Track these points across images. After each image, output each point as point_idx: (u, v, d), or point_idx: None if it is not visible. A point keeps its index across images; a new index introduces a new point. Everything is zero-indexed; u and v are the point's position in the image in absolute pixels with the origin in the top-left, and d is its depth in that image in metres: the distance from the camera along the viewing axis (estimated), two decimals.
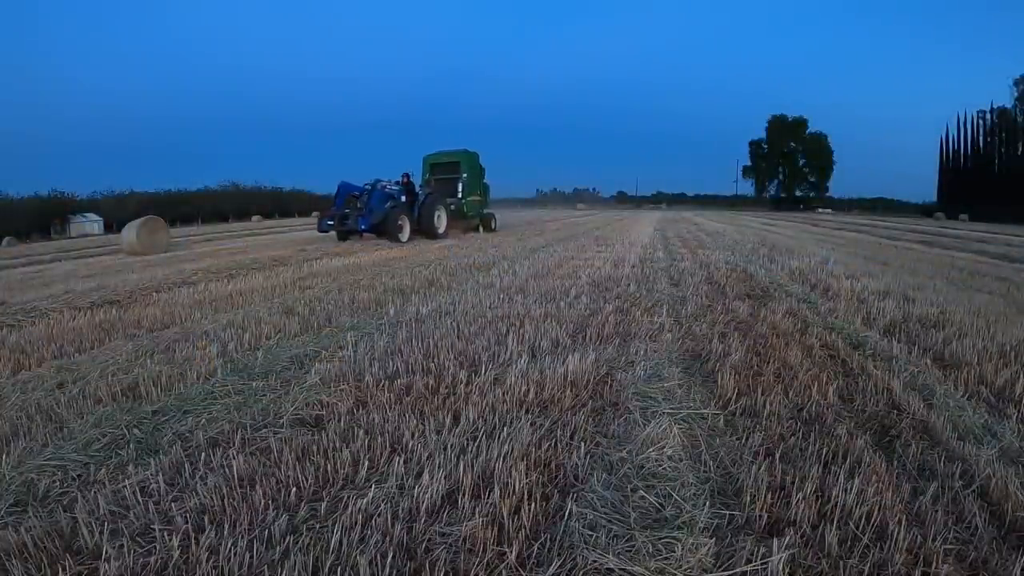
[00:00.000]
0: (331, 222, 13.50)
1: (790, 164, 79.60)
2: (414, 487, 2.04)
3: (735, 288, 6.25)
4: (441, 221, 14.70)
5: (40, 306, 5.67)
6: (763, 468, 2.16)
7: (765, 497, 1.97)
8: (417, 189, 14.68)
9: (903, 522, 1.84)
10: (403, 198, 13.97)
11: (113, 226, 29.04)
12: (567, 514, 1.90)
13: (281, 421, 2.66)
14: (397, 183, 14.16)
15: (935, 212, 50.97)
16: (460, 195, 16.36)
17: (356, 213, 12.96)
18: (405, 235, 13.35)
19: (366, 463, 2.22)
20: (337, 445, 2.36)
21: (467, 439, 2.43)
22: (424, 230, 14.19)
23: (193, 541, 1.76)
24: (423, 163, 17.16)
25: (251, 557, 1.68)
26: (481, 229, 17.31)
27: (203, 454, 2.34)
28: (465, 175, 16.59)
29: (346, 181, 13.64)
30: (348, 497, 1.99)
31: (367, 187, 13.47)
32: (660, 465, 2.22)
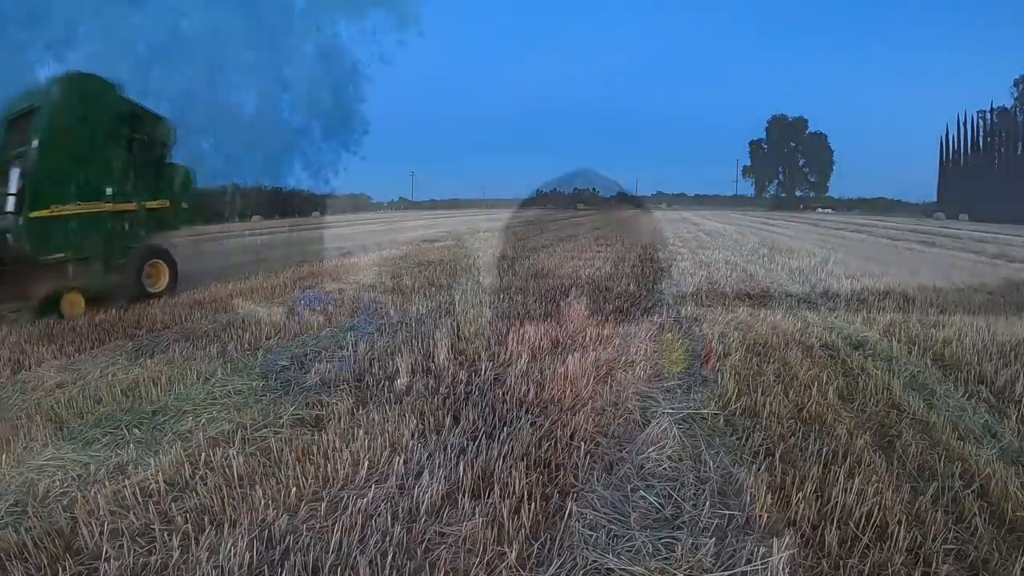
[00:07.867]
0: None
1: (790, 164, 79.60)
2: (414, 487, 2.04)
3: (735, 288, 6.26)
4: None
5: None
6: (763, 468, 2.16)
7: (765, 497, 1.97)
8: None
9: (903, 522, 1.84)
10: None
11: None
12: (567, 514, 1.90)
13: (281, 421, 2.66)
14: None
15: (935, 212, 50.93)
16: (12, 204, 5.37)
17: None
18: None
19: (366, 463, 2.21)
20: (337, 445, 2.36)
21: (467, 439, 2.43)
22: None
23: (193, 541, 1.76)
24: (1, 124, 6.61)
25: (251, 557, 1.68)
26: (67, 306, 5.25)
27: (203, 454, 2.34)
28: (37, 143, 5.50)
29: None
30: (348, 497, 1.99)
31: None
32: (660, 465, 2.22)
